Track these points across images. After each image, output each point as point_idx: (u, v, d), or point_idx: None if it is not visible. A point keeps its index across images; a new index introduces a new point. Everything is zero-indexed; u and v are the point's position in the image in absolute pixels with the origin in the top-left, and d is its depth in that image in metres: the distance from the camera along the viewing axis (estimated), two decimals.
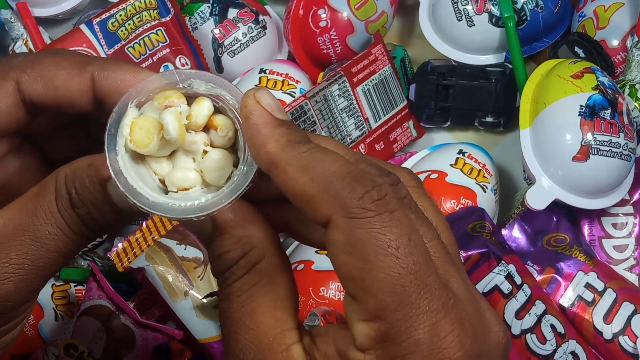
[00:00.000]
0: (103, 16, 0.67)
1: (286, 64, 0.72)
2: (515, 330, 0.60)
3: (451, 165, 0.68)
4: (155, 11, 0.68)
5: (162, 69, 0.68)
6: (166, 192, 0.30)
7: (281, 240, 0.32)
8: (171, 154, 0.31)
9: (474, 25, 0.70)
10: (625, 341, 0.61)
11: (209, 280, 0.59)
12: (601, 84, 0.63)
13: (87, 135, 0.36)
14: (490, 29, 0.70)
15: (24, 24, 0.71)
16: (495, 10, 0.70)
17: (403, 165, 0.69)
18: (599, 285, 0.63)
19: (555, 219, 0.67)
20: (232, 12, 0.72)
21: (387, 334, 0.26)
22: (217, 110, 0.31)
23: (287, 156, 0.28)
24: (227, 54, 0.71)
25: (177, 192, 0.30)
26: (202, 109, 0.30)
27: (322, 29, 0.71)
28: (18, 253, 0.30)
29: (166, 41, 0.68)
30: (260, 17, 0.73)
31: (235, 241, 0.30)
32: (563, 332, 0.60)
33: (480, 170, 0.68)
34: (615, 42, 0.71)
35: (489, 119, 0.73)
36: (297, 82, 0.70)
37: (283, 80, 0.69)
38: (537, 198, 0.63)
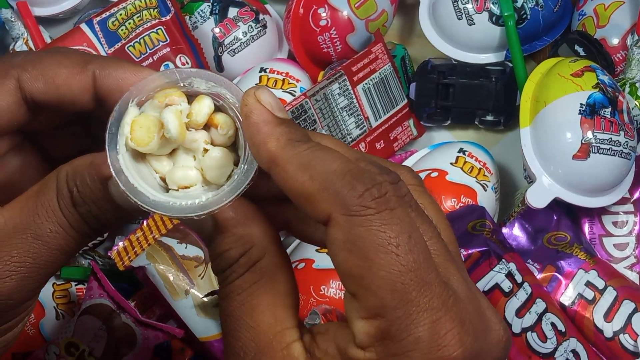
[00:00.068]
0: (103, 15, 0.67)
1: (286, 63, 0.72)
2: (516, 329, 0.60)
3: (451, 163, 0.68)
4: (156, 10, 0.68)
5: (162, 68, 0.68)
6: (167, 190, 0.30)
7: (282, 239, 0.32)
8: (172, 152, 0.31)
9: (474, 23, 0.70)
10: (625, 339, 0.61)
11: (210, 279, 0.59)
12: (601, 82, 0.63)
13: (88, 134, 0.36)
14: (491, 27, 0.70)
15: (25, 23, 0.71)
16: (495, 9, 0.70)
17: (403, 164, 0.69)
18: (600, 283, 0.63)
19: (555, 218, 0.67)
20: (233, 11, 0.72)
21: (387, 332, 0.26)
22: (218, 109, 0.31)
23: (288, 154, 0.28)
24: (228, 53, 0.71)
25: (177, 190, 0.30)
26: (203, 107, 0.30)
27: (323, 28, 0.71)
28: (19, 251, 0.30)
29: (166, 40, 0.68)
30: (261, 16, 0.73)
31: (235, 239, 0.30)
32: (564, 330, 0.60)
33: (480, 168, 0.68)
34: (615, 41, 0.71)
35: (490, 118, 0.73)
36: (297, 81, 0.70)
37: (283, 79, 0.69)
38: (538, 196, 0.63)
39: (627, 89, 0.67)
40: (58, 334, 0.58)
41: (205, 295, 0.59)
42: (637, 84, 0.67)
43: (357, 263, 0.27)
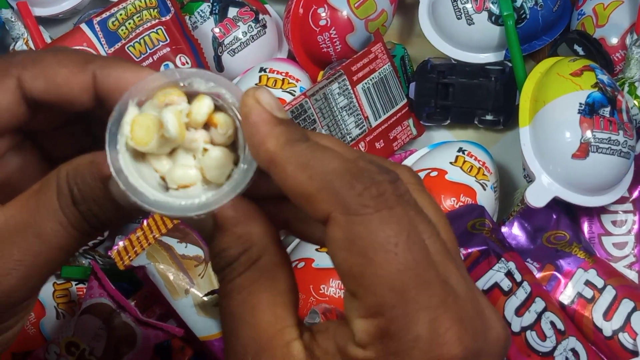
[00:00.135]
0: (103, 15, 0.67)
1: (286, 63, 0.72)
2: (515, 328, 0.60)
3: (451, 163, 0.68)
4: (156, 10, 0.68)
5: (162, 68, 0.68)
6: (167, 189, 0.30)
7: (282, 238, 0.32)
8: (172, 151, 0.31)
9: (474, 23, 0.71)
10: (625, 338, 0.61)
11: (210, 279, 0.60)
12: (600, 81, 0.63)
13: (88, 133, 0.37)
14: (490, 27, 0.71)
15: (25, 23, 0.71)
16: (494, 9, 0.70)
17: (403, 163, 0.70)
18: (599, 282, 0.63)
19: (554, 217, 0.67)
20: (232, 11, 0.72)
21: (386, 330, 0.26)
22: (218, 109, 0.31)
23: (286, 154, 0.28)
24: (227, 52, 0.71)
25: (177, 189, 0.30)
26: (202, 106, 0.30)
27: (322, 28, 0.71)
28: (20, 249, 0.30)
29: (166, 40, 0.68)
30: (260, 16, 0.73)
31: (235, 238, 0.30)
32: (563, 329, 0.60)
33: (480, 168, 0.68)
34: (614, 40, 0.72)
35: (489, 117, 0.73)
36: (297, 80, 0.70)
37: (283, 79, 0.69)
38: (537, 195, 0.63)
39: (626, 88, 0.67)
40: (58, 333, 0.58)
41: (205, 295, 0.59)
42: (636, 84, 0.67)
43: (356, 262, 0.27)
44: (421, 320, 0.26)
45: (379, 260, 0.26)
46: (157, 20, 0.68)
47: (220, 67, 0.72)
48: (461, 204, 0.66)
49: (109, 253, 0.60)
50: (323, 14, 0.71)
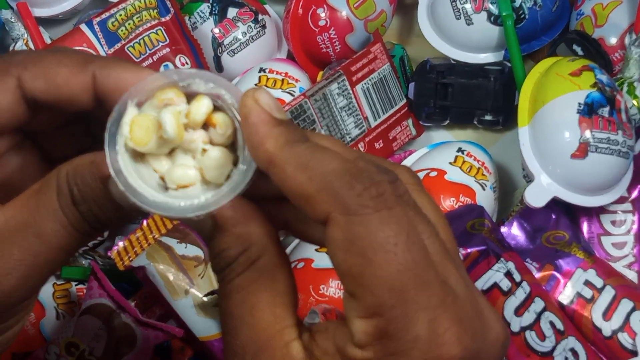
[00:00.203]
0: (103, 16, 0.67)
1: (286, 63, 0.72)
2: (515, 328, 0.60)
3: (450, 163, 0.68)
4: (155, 11, 0.69)
5: (162, 69, 0.68)
6: (166, 189, 0.30)
7: (281, 239, 0.32)
8: (171, 151, 0.31)
9: (473, 23, 0.71)
10: (624, 338, 0.62)
11: (210, 279, 0.60)
12: (599, 81, 0.63)
13: (87, 134, 0.37)
14: (489, 27, 0.71)
15: (25, 24, 0.71)
16: (493, 9, 0.70)
17: (402, 164, 0.70)
18: (598, 282, 0.63)
19: (554, 217, 0.67)
20: (232, 12, 0.72)
21: (385, 331, 0.27)
22: (217, 109, 0.31)
23: (286, 155, 0.28)
24: (227, 53, 0.71)
25: (176, 189, 0.30)
26: (201, 106, 0.30)
27: (322, 28, 0.71)
28: (20, 249, 0.30)
29: (166, 41, 0.68)
30: (260, 17, 0.73)
31: (235, 238, 0.30)
32: (562, 329, 0.60)
33: (479, 168, 0.68)
34: (613, 40, 0.72)
35: (488, 117, 0.73)
36: (296, 81, 0.70)
37: (282, 79, 0.69)
38: (536, 196, 0.63)
39: (625, 88, 0.67)
40: (58, 333, 0.58)
41: (205, 295, 0.59)
42: (635, 83, 0.68)
43: (355, 262, 0.27)
44: (420, 321, 0.26)
45: (378, 260, 0.26)
46: (156, 21, 0.68)
47: (219, 68, 0.72)
48: (460, 204, 0.66)
49: (109, 253, 0.60)
50: (322, 15, 0.71)
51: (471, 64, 0.73)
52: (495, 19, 0.70)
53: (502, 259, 0.61)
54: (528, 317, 0.60)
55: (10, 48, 0.71)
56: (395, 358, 0.27)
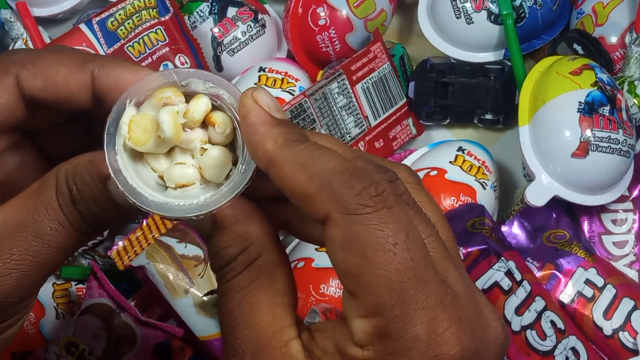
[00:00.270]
0: (102, 15, 0.67)
1: (285, 63, 0.72)
2: (516, 327, 0.60)
3: (451, 162, 0.68)
4: (155, 10, 0.68)
5: (161, 68, 0.68)
6: (166, 188, 0.30)
7: (281, 238, 0.32)
8: (170, 151, 0.31)
9: (473, 22, 0.70)
10: (625, 337, 0.61)
11: (209, 278, 0.60)
12: (600, 80, 0.63)
13: (86, 133, 0.37)
14: (489, 26, 0.71)
15: (24, 23, 0.71)
16: (494, 8, 0.70)
17: (402, 163, 0.70)
18: (599, 281, 0.63)
19: (554, 216, 0.67)
20: (232, 11, 0.72)
21: (384, 330, 0.27)
22: (216, 108, 0.31)
23: (285, 155, 0.28)
24: (227, 52, 0.71)
25: (175, 189, 0.30)
26: (200, 104, 0.30)
27: (321, 27, 0.71)
28: (20, 249, 0.30)
29: (165, 40, 0.68)
30: (260, 16, 0.73)
31: (234, 237, 0.30)
32: (563, 328, 0.60)
33: (479, 167, 0.68)
34: (613, 39, 0.71)
35: (488, 116, 0.73)
36: (296, 80, 0.70)
37: (282, 79, 0.69)
38: (537, 195, 0.63)
39: (626, 87, 0.67)
40: (58, 333, 0.58)
41: (205, 295, 0.59)
42: (635, 82, 0.67)
43: (355, 261, 0.27)
44: (419, 320, 0.26)
45: (378, 259, 0.26)
46: (156, 20, 0.68)
47: (219, 67, 0.72)
48: (461, 203, 0.66)
49: (109, 253, 0.60)
50: (322, 14, 0.71)
51: (471, 63, 0.73)
52: (495, 18, 0.70)
53: (502, 258, 0.61)
54: (529, 317, 0.60)
55: (10, 48, 0.71)
56: (395, 357, 0.27)
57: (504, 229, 0.66)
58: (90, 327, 0.57)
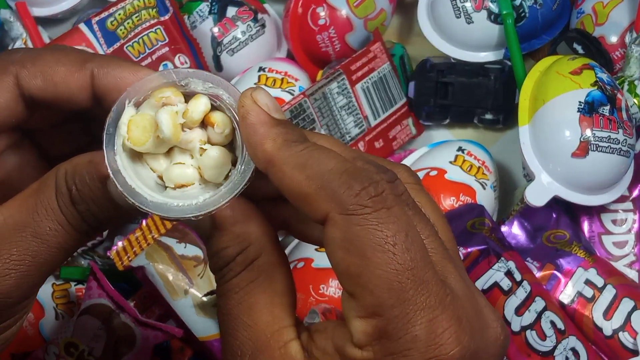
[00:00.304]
0: (102, 15, 0.67)
1: (285, 62, 0.72)
2: (515, 327, 0.60)
3: (450, 162, 0.68)
4: (154, 10, 0.68)
5: (161, 68, 0.68)
6: (165, 188, 0.30)
7: (281, 239, 0.32)
8: (169, 151, 0.31)
9: (473, 22, 0.70)
10: (625, 337, 0.61)
11: (209, 279, 0.60)
12: (600, 80, 0.63)
13: (86, 132, 0.37)
14: (489, 26, 0.70)
15: (23, 23, 0.71)
16: (494, 8, 0.70)
17: (402, 163, 0.69)
18: (599, 281, 0.63)
19: (554, 216, 0.67)
20: (231, 11, 0.72)
21: (384, 331, 0.26)
22: (215, 108, 0.31)
23: (284, 155, 0.28)
24: (226, 52, 0.71)
25: (174, 188, 0.30)
26: (199, 104, 0.30)
27: (321, 27, 0.71)
28: (19, 249, 0.30)
29: (165, 40, 0.68)
30: (259, 16, 0.73)
31: (233, 237, 0.30)
32: (563, 328, 0.60)
33: (479, 167, 0.68)
34: (614, 39, 0.71)
35: (488, 116, 0.73)
36: (296, 80, 0.70)
37: (282, 79, 0.69)
38: (537, 195, 0.63)
39: (626, 87, 0.67)
40: (57, 334, 0.58)
41: (205, 295, 0.59)
42: (635, 82, 0.67)
43: (354, 262, 0.27)
44: (419, 321, 0.26)
45: (377, 260, 0.26)
46: (155, 20, 0.68)
47: (219, 67, 0.72)
48: (461, 203, 0.66)
49: (108, 253, 0.60)
50: (322, 13, 0.71)
51: (471, 62, 0.72)
52: (495, 18, 0.70)
53: (502, 258, 0.61)
54: (528, 317, 0.60)
55: (9, 48, 0.71)
56: (394, 358, 0.27)
57: (503, 229, 0.66)
58: (90, 327, 0.57)
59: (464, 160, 0.68)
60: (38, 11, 0.73)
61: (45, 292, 0.64)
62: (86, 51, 0.34)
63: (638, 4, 0.69)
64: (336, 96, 0.67)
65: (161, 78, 0.30)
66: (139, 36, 0.67)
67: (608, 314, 0.62)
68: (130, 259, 0.60)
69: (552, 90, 0.63)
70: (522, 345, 0.59)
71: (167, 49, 0.68)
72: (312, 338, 0.29)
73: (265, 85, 0.69)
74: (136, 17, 0.67)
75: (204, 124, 0.30)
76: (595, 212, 0.68)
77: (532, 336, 0.59)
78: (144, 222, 0.61)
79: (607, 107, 0.62)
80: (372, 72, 0.69)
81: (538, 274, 0.64)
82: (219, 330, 0.31)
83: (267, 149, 0.28)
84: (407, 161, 0.71)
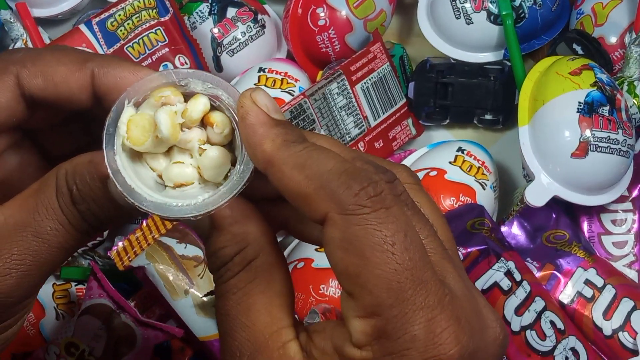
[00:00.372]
0: (102, 16, 0.67)
1: (285, 63, 0.72)
2: (515, 327, 0.60)
3: (450, 162, 0.68)
4: (154, 11, 0.68)
5: (161, 68, 0.68)
6: (164, 187, 0.30)
7: (281, 239, 0.32)
8: (169, 150, 0.31)
9: (473, 23, 0.70)
10: (625, 337, 0.61)
11: (209, 279, 0.60)
12: (599, 80, 0.63)
13: (86, 132, 0.37)
14: (489, 26, 0.71)
15: (24, 24, 0.71)
16: (493, 8, 0.70)
17: (401, 163, 0.69)
18: (599, 281, 0.63)
19: (554, 216, 0.67)
20: (231, 11, 0.72)
21: (383, 330, 0.26)
22: (214, 108, 0.31)
23: (283, 155, 0.28)
24: (226, 53, 0.71)
25: (174, 188, 0.30)
26: (198, 104, 0.30)
27: (321, 28, 0.71)
28: (20, 249, 0.30)
29: (165, 40, 0.68)
30: (259, 16, 0.73)
31: (231, 237, 0.30)
32: (563, 328, 0.60)
33: (479, 167, 0.68)
34: (613, 39, 0.71)
35: (488, 117, 0.73)
36: (296, 80, 0.70)
37: (282, 79, 0.69)
38: (536, 195, 0.63)
39: (625, 87, 0.67)
40: (58, 334, 0.58)
41: (205, 295, 0.59)
42: (635, 82, 0.67)
43: (353, 262, 0.27)
44: (418, 321, 0.26)
45: (376, 260, 0.26)
46: (155, 21, 0.68)
47: (219, 68, 0.72)
48: (460, 203, 0.66)
49: (109, 254, 0.60)
50: (322, 14, 0.71)
51: (471, 63, 0.73)
52: (495, 18, 0.70)
53: (502, 258, 0.61)
54: (528, 317, 0.60)
55: (10, 48, 0.71)
56: (393, 358, 0.27)
57: (503, 229, 0.66)
58: (90, 327, 0.57)
59: (464, 161, 0.68)
60: (38, 12, 0.74)
61: (46, 292, 0.64)
62: (86, 51, 0.34)
63: (637, 4, 0.69)
64: (336, 97, 0.67)
65: (161, 78, 0.30)
66: (139, 37, 0.68)
67: (608, 314, 0.62)
68: (130, 259, 0.60)
69: (552, 91, 0.63)
70: (522, 345, 0.59)
71: (167, 49, 0.68)
72: (310, 338, 0.29)
73: (265, 85, 0.69)
74: (136, 17, 0.68)
75: (203, 124, 0.31)
76: (594, 212, 0.68)
77: (532, 336, 0.60)
78: (144, 223, 0.61)
79: (607, 108, 0.62)
80: (372, 72, 0.69)
81: (538, 274, 0.64)
82: (218, 331, 0.31)
83: (266, 149, 0.28)
84: (407, 161, 0.71)
